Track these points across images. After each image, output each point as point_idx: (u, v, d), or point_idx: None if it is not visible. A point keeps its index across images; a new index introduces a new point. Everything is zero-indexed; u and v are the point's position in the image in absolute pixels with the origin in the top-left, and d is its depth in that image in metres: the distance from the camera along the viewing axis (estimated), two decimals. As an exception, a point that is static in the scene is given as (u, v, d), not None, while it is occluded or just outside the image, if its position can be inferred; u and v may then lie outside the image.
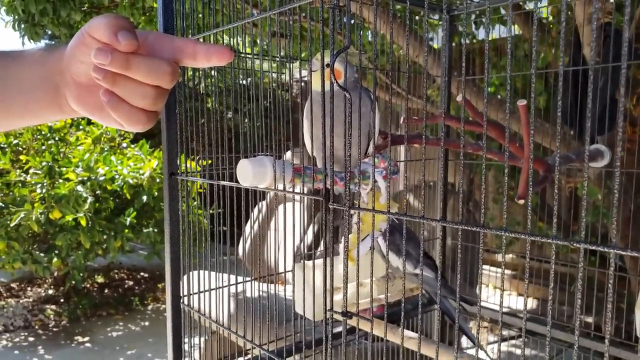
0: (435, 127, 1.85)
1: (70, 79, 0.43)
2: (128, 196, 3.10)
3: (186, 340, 1.01)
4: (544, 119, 2.37)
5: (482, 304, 1.55)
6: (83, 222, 2.87)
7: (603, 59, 1.57)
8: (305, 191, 0.72)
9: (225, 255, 1.02)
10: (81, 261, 3.18)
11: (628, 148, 1.83)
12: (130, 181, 3.03)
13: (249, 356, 1.01)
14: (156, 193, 3.15)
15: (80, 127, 3.67)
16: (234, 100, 0.96)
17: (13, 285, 4.30)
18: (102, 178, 3.01)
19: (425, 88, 0.51)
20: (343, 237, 0.69)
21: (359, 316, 0.60)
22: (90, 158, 3.11)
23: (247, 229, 2.74)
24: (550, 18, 2.47)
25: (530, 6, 2.19)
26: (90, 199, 2.94)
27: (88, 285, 4.32)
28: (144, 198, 3.11)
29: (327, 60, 0.60)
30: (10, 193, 3.03)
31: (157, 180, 3.06)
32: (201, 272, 1.00)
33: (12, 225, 2.84)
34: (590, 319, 2.41)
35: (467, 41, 2.68)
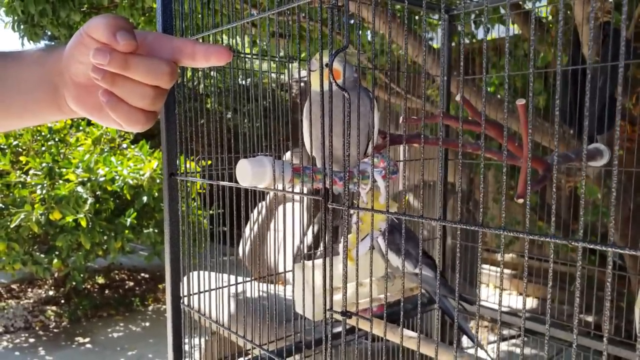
0: (435, 126, 1.86)
1: (69, 79, 0.43)
2: (128, 197, 3.10)
3: (186, 340, 1.01)
4: (544, 118, 2.37)
5: (483, 303, 1.55)
6: (83, 223, 2.87)
7: (602, 58, 1.57)
8: (305, 191, 0.72)
9: (225, 256, 1.02)
10: (81, 262, 3.19)
11: (628, 147, 1.83)
12: (131, 182, 3.03)
13: (249, 356, 1.01)
14: (156, 194, 3.15)
15: (80, 128, 3.67)
16: (233, 101, 0.96)
17: (13, 286, 4.30)
18: (102, 179, 3.01)
19: (425, 88, 0.51)
20: (342, 237, 0.69)
21: (358, 316, 0.60)
22: (91, 159, 3.11)
23: (247, 229, 2.74)
24: (550, 17, 2.47)
25: (529, 5, 2.20)
26: (90, 200, 2.94)
27: (88, 286, 4.32)
28: (144, 199, 3.11)
29: (326, 60, 0.60)
30: (11, 194, 3.03)
31: (157, 180, 3.06)
32: (201, 272, 1.00)
33: (12, 226, 2.85)
34: (590, 318, 2.42)
35: (467, 41, 2.68)
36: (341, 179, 0.71)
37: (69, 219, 2.85)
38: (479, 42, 2.72)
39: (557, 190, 0.41)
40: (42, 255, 3.18)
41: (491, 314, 1.55)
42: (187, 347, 1.02)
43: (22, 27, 3.05)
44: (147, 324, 3.61)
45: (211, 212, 0.98)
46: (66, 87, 0.44)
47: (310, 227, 2.94)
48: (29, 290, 4.25)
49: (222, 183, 0.85)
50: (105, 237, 3.10)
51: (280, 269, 1.14)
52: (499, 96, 2.40)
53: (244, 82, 1.13)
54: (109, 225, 3.13)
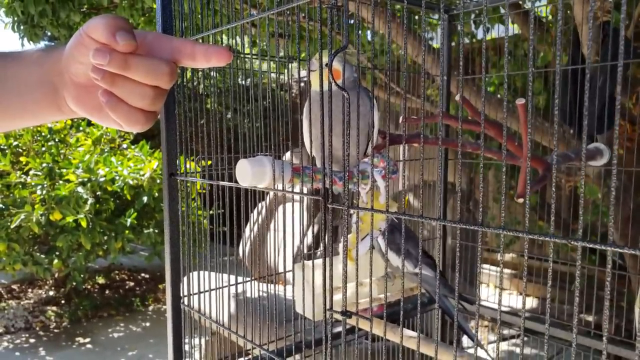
0: (435, 126, 1.86)
1: (69, 79, 0.43)
2: (128, 197, 3.10)
3: (187, 340, 1.01)
4: (544, 117, 2.37)
5: (483, 303, 1.55)
6: (83, 224, 2.87)
7: (602, 57, 1.57)
8: (305, 191, 0.72)
9: (225, 256, 1.02)
10: (82, 262, 3.19)
11: (628, 147, 1.83)
12: (131, 182, 3.04)
13: (250, 356, 1.01)
14: (156, 194, 3.15)
15: (81, 128, 3.68)
16: (233, 101, 0.96)
17: (14, 286, 4.30)
18: (102, 179, 3.01)
19: (424, 88, 0.51)
20: (342, 237, 0.69)
21: (358, 315, 0.60)
22: (91, 159, 3.11)
23: (247, 230, 2.74)
24: (550, 17, 2.47)
25: (529, 5, 2.20)
26: (90, 200, 2.94)
27: (89, 287, 4.32)
28: (145, 199, 3.12)
29: (325, 60, 0.60)
30: (11, 195, 3.03)
31: (158, 181, 3.06)
32: (201, 272, 1.00)
33: (12, 226, 2.85)
34: (590, 318, 2.42)
35: (467, 41, 2.68)
36: (341, 178, 0.71)
37: (69, 219, 2.85)
38: (479, 42, 2.72)
39: (557, 189, 0.41)
40: (43, 256, 3.19)
41: (491, 313, 1.55)
42: (187, 347, 1.02)
43: (22, 27, 3.05)
44: (148, 324, 3.61)
45: (211, 212, 0.98)
46: (66, 88, 0.44)
47: (310, 227, 2.94)
48: (30, 290, 4.25)
49: (222, 183, 0.85)
50: (105, 238, 3.10)
51: (281, 269, 1.15)
52: (498, 96, 2.40)
53: (243, 82, 1.13)
54: (109, 226, 3.13)
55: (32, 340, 3.29)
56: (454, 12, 1.31)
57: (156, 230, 3.25)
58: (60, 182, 3.00)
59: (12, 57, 0.44)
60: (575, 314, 0.41)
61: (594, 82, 1.55)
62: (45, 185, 2.94)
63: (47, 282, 4.32)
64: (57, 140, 3.46)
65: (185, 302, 0.99)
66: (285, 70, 1.38)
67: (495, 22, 2.50)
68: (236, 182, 0.71)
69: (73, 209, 2.87)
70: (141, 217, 3.30)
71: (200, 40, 0.86)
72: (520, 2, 2.09)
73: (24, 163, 3.17)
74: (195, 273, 0.99)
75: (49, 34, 3.36)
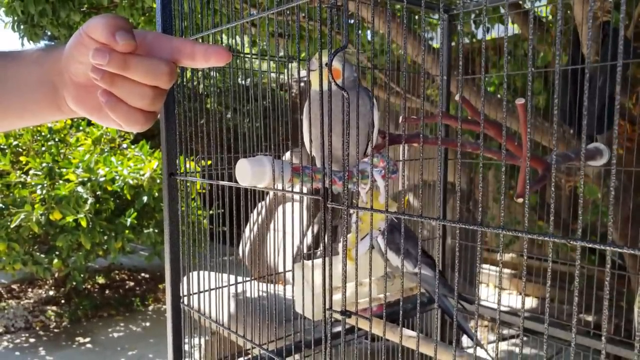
0: (435, 126, 1.85)
1: (68, 79, 0.43)
2: (128, 197, 3.10)
3: (187, 340, 1.01)
4: (544, 117, 2.37)
5: (483, 303, 1.55)
6: (83, 223, 2.87)
7: (602, 57, 1.57)
8: (305, 191, 0.72)
9: (225, 256, 1.02)
10: (82, 262, 3.19)
11: (627, 147, 1.83)
12: (131, 182, 3.04)
13: (249, 356, 1.02)
14: (156, 194, 3.15)
15: (80, 128, 3.68)
16: (233, 101, 0.96)
17: (14, 286, 4.30)
18: (102, 179, 3.01)
19: (424, 88, 0.51)
20: (342, 237, 0.69)
21: (358, 315, 0.60)
22: (91, 159, 3.11)
23: (247, 230, 2.74)
24: (550, 17, 2.47)
25: (529, 5, 2.20)
26: (90, 200, 2.94)
27: (89, 286, 4.32)
28: (145, 199, 3.12)
29: (325, 59, 0.60)
30: (11, 194, 3.03)
31: (158, 180, 3.06)
32: (201, 272, 1.00)
33: (12, 226, 2.85)
34: (590, 318, 2.42)
35: (467, 40, 2.68)
36: (341, 178, 0.71)
37: (69, 219, 2.85)
38: (479, 42, 2.72)
39: (557, 189, 0.41)
40: (43, 256, 3.19)
41: (491, 313, 1.55)
42: (187, 347, 1.02)
43: (22, 27, 3.05)
44: (148, 324, 3.61)
45: (211, 212, 0.98)
46: (65, 87, 0.44)
47: (310, 227, 2.94)
48: (30, 290, 4.25)
49: (222, 183, 0.85)
50: (105, 237, 3.10)
51: (280, 269, 1.15)
52: (499, 96, 2.40)
53: (243, 82, 1.13)
54: (109, 225, 3.13)
55: (32, 340, 3.29)
56: (453, 12, 1.31)
57: (156, 230, 3.25)
58: (60, 181, 3.00)
59: (12, 57, 0.44)
60: (574, 314, 0.41)
61: (594, 82, 1.55)
62: (45, 185, 2.94)
63: (47, 282, 4.32)
64: (57, 139, 3.46)
65: (185, 302, 0.99)
66: (285, 70, 1.38)
67: (495, 22, 2.50)
68: (236, 181, 0.71)
69: (73, 208, 2.87)
70: (141, 216, 3.30)
71: (200, 40, 0.85)
72: (520, 2, 2.09)
73: (23, 163, 3.17)
74: (195, 273, 1.00)
75: (49, 33, 3.36)
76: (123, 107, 0.41)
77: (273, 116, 1.05)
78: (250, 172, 0.67)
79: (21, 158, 3.21)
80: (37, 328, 3.50)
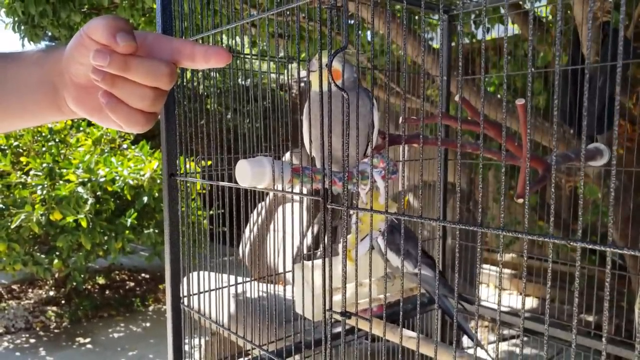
0: (435, 126, 1.85)
1: (69, 80, 0.43)
2: (129, 197, 3.10)
3: (187, 341, 1.01)
4: (544, 118, 2.37)
5: (484, 303, 1.55)
6: (84, 224, 2.87)
7: (602, 58, 1.57)
8: (305, 191, 0.72)
9: (225, 256, 1.02)
10: (82, 262, 3.19)
11: (628, 147, 1.83)
12: (131, 182, 3.04)
13: (249, 357, 1.02)
14: (157, 194, 3.15)
15: (81, 128, 3.68)
16: (233, 101, 0.96)
17: (14, 286, 4.31)
18: (102, 179, 3.02)
19: (424, 88, 0.51)
20: (342, 238, 0.69)
21: (358, 316, 0.60)
22: (91, 159, 3.11)
23: (247, 230, 2.74)
24: (550, 17, 2.47)
25: (529, 5, 2.20)
26: (90, 200, 2.94)
27: (89, 287, 4.32)
28: (145, 199, 3.12)
29: (325, 60, 0.60)
30: (11, 195, 3.03)
31: (158, 181, 3.06)
32: (201, 272, 1.00)
33: (12, 226, 2.85)
34: (590, 318, 2.41)
35: (467, 41, 2.68)
36: (340, 179, 0.71)
37: (70, 219, 2.85)
38: (479, 42, 2.72)
39: (557, 190, 0.41)
40: (43, 256, 3.19)
41: (491, 313, 1.55)
42: (187, 348, 1.02)
43: (22, 28, 3.05)
44: (148, 324, 3.61)
45: (211, 212, 0.98)
46: (66, 88, 0.44)
47: (310, 228, 2.94)
48: (30, 290, 4.25)
49: (221, 183, 0.85)
50: (105, 238, 3.10)
51: (280, 269, 1.15)
52: (498, 96, 2.40)
53: (243, 82, 1.13)
54: (110, 226, 3.13)
55: (32, 341, 3.29)
56: (453, 12, 1.31)
57: (156, 231, 3.25)
58: (61, 182, 3.00)
59: (12, 58, 0.44)
60: (575, 315, 0.41)
61: (594, 82, 1.55)
62: (45, 186, 2.94)
63: (48, 282, 4.32)
64: (57, 140, 3.46)
65: (185, 303, 0.99)
66: (285, 71, 1.38)
67: (495, 22, 2.50)
68: (236, 182, 0.72)
69: (73, 209, 2.87)
70: (141, 217, 3.30)
71: (200, 41, 0.86)
72: (520, 2, 2.09)
73: (24, 163, 3.17)
74: (195, 273, 1.00)
75: (49, 34, 3.36)
76: (124, 108, 0.41)
77: (273, 117, 1.05)
78: (250, 173, 0.68)
79: (22, 158, 3.21)
80: (38, 328, 3.50)
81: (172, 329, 0.99)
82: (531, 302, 3.39)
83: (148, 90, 0.41)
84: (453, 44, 1.47)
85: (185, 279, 1.00)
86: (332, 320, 0.61)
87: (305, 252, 2.73)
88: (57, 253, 3.14)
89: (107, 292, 4.25)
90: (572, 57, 1.72)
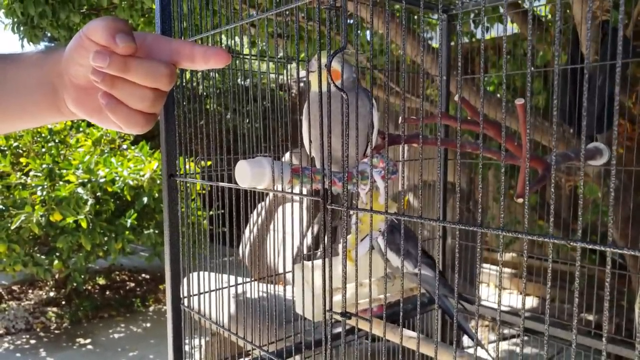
0: (435, 126, 1.85)
1: (68, 81, 0.43)
2: (128, 198, 3.10)
3: (187, 341, 1.01)
4: (544, 117, 2.37)
5: (483, 302, 1.55)
6: (84, 224, 2.87)
7: (601, 57, 1.57)
8: (304, 192, 0.72)
9: (225, 257, 1.02)
10: (82, 263, 3.19)
11: (628, 146, 1.83)
12: (131, 183, 3.04)
13: (250, 357, 1.02)
14: (157, 194, 3.15)
15: (80, 129, 3.68)
16: (232, 101, 0.96)
17: (14, 287, 4.31)
18: (102, 180, 3.02)
19: (423, 88, 0.51)
20: (342, 238, 0.69)
21: (358, 317, 0.60)
22: (91, 160, 3.11)
23: (247, 231, 2.74)
24: (549, 16, 2.47)
25: (528, 4, 2.19)
26: (90, 201, 2.94)
27: (89, 287, 4.32)
28: (145, 199, 3.12)
29: (324, 60, 0.60)
30: (11, 196, 3.03)
31: (158, 181, 3.06)
32: (201, 273, 1.00)
33: (12, 227, 2.85)
34: (591, 317, 2.41)
35: (466, 40, 2.68)
36: (340, 179, 0.71)
37: (70, 220, 2.85)
38: (478, 42, 2.72)
39: (557, 189, 0.41)
40: (43, 257, 3.19)
41: (491, 313, 1.55)
42: (187, 348, 1.02)
43: (21, 28, 3.05)
44: (148, 324, 3.61)
45: (211, 212, 0.98)
46: (65, 89, 0.44)
47: (310, 228, 2.94)
48: (30, 291, 4.25)
49: (221, 184, 0.85)
50: (105, 238, 3.10)
51: (280, 270, 1.15)
52: (498, 95, 2.40)
53: (243, 82, 1.13)
54: (110, 226, 3.13)
55: (32, 341, 3.29)
56: (452, 11, 1.31)
57: (156, 231, 3.25)
58: (61, 183, 3.00)
59: (12, 59, 0.44)
60: (575, 314, 0.41)
61: (594, 81, 1.54)
62: (45, 186, 2.94)
63: (48, 283, 4.32)
64: (57, 141, 3.46)
65: (185, 303, 0.99)
66: (285, 71, 1.38)
67: (495, 22, 2.50)
68: (236, 183, 0.71)
69: (73, 209, 2.87)
70: (141, 217, 3.30)
71: (200, 41, 0.86)
72: (520, 2, 2.09)
73: (24, 164, 3.17)
74: (195, 274, 1.00)
75: (48, 35, 3.36)
76: (123, 109, 0.41)
77: (272, 117, 1.05)
78: (249, 174, 0.67)
79: (21, 159, 3.21)
80: (38, 329, 3.50)
81: (172, 330, 0.99)
82: (531, 302, 3.39)
83: (148, 91, 0.41)
84: (452, 43, 1.47)
85: (185, 280, 1.00)
86: (332, 320, 0.61)
87: (305, 252, 2.73)
88: (57, 254, 3.14)
89: (107, 292, 4.25)
90: (572, 56, 1.72)
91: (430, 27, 2.62)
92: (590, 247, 0.39)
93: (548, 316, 0.44)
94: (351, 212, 0.62)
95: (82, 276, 3.37)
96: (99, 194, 3.07)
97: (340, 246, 0.77)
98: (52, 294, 4.15)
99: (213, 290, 1.01)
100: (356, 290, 0.59)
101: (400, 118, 0.62)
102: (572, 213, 2.42)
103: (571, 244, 0.40)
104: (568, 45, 1.75)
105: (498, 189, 3.11)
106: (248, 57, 0.90)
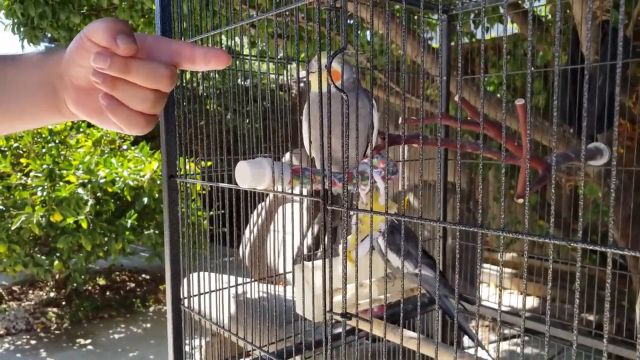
0: (435, 126, 1.85)
1: (69, 82, 0.43)
2: (129, 198, 3.10)
3: (187, 342, 1.01)
4: (544, 117, 2.37)
5: (483, 303, 1.55)
6: (84, 225, 2.87)
7: (602, 57, 1.57)
8: (305, 192, 0.72)
9: (225, 257, 1.02)
10: (82, 264, 3.19)
11: (628, 146, 1.83)
12: (131, 183, 3.04)
13: (250, 358, 1.02)
14: (157, 195, 3.15)
15: (81, 129, 3.68)
16: (232, 102, 0.96)
17: (15, 288, 4.31)
18: (102, 180, 3.02)
19: (423, 88, 0.51)
20: (342, 238, 0.69)
21: (358, 317, 0.60)
22: (91, 160, 3.11)
23: (247, 231, 2.74)
24: (549, 16, 2.47)
25: (528, 5, 2.19)
26: (91, 202, 2.94)
27: (89, 288, 4.32)
28: (145, 200, 3.12)
29: (324, 61, 0.60)
30: (11, 196, 3.03)
31: (158, 182, 3.06)
32: (201, 273, 1.00)
33: (13, 228, 2.85)
34: (591, 317, 2.41)
35: (466, 40, 2.68)
36: (340, 180, 0.71)
37: (70, 220, 2.85)
38: (479, 42, 2.72)
39: (557, 189, 0.41)
40: (43, 257, 3.19)
41: (492, 313, 1.55)
42: (187, 348, 1.02)
43: (22, 29, 3.05)
44: (148, 325, 3.61)
45: (211, 213, 0.98)
46: (66, 90, 0.44)
47: (310, 228, 2.94)
48: (30, 292, 4.25)
49: (221, 185, 0.85)
50: (106, 239, 3.10)
51: (281, 270, 1.15)
52: (498, 95, 2.40)
53: (243, 83, 1.13)
54: (110, 227, 3.13)
55: (33, 342, 3.29)
56: (453, 12, 1.31)
57: (156, 232, 3.25)
58: (61, 183, 3.00)
59: (12, 60, 0.44)
60: (575, 315, 0.41)
61: (594, 81, 1.54)
62: (45, 187, 2.94)
63: (48, 284, 4.32)
64: (57, 141, 3.46)
65: (186, 304, 0.99)
66: (285, 71, 1.38)
67: (495, 22, 2.50)
68: (236, 183, 0.72)
69: (73, 210, 2.87)
70: (141, 218, 3.30)
71: (200, 42, 0.86)
72: (520, 2, 2.09)
73: (24, 164, 3.17)
74: (196, 274, 1.00)
75: (49, 35, 3.36)
76: (124, 110, 0.41)
77: (273, 117, 1.05)
78: (249, 175, 0.67)
79: (22, 160, 3.21)
80: (38, 330, 3.50)
81: (172, 330, 0.99)
82: (532, 302, 3.39)
83: (148, 92, 0.41)
84: (452, 43, 1.47)
85: (185, 280, 1.00)
86: (333, 321, 0.61)
87: (305, 252, 2.73)
88: (58, 254, 3.14)
89: (107, 293, 4.25)
90: (572, 56, 1.72)
91: (430, 27, 2.62)
92: (591, 247, 0.39)
93: (549, 316, 0.44)
94: (351, 212, 0.62)
95: (83, 277, 3.37)
96: (99, 194, 3.07)
97: (340, 247, 0.77)
98: (52, 294, 4.15)
99: (213, 291, 1.01)
100: (356, 291, 0.59)
101: (400, 118, 0.62)
102: (572, 213, 2.42)
103: (572, 244, 0.40)
104: (568, 46, 1.75)
105: (498, 189, 3.11)
106: (248, 57, 0.90)
